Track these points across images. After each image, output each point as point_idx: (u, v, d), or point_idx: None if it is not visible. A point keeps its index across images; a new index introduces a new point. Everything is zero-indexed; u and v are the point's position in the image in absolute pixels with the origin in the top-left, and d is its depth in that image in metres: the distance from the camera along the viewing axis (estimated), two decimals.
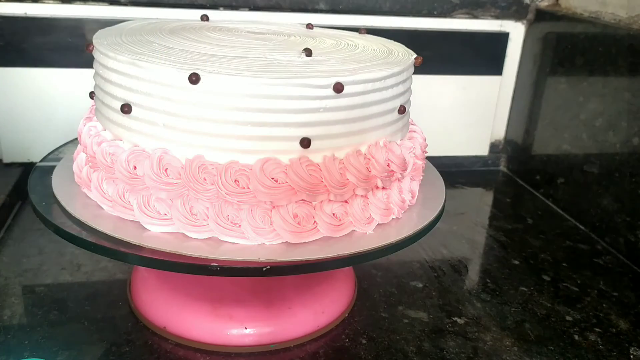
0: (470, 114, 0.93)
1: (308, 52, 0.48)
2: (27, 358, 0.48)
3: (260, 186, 0.42)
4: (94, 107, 0.51)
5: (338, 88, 0.42)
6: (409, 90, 0.51)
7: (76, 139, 0.53)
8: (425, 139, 0.54)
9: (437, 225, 0.51)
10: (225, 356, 0.50)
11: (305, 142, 0.43)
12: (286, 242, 0.44)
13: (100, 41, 0.48)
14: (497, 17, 0.89)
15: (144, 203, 0.44)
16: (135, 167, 0.44)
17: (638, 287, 0.65)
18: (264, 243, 0.44)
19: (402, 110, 0.48)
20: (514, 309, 0.60)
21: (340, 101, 0.43)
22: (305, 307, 0.53)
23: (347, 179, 0.44)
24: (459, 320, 0.57)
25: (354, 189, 0.45)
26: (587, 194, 0.78)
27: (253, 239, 0.43)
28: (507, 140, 0.97)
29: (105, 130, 0.48)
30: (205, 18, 0.62)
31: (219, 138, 0.42)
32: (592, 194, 0.77)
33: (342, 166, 0.44)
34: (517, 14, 0.90)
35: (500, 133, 0.97)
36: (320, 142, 0.43)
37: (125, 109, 0.44)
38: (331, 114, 0.43)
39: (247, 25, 0.61)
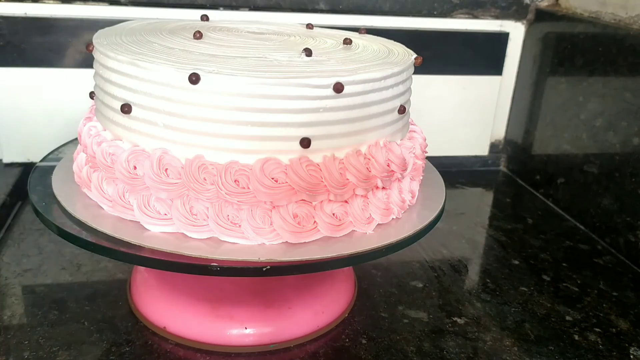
0: (470, 114, 0.93)
1: (308, 52, 0.48)
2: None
3: (260, 186, 0.42)
4: (94, 107, 0.51)
5: (338, 88, 0.42)
6: (409, 90, 0.51)
7: (76, 139, 0.53)
8: (425, 139, 0.54)
9: (437, 225, 0.51)
10: (225, 356, 0.50)
11: (305, 142, 0.43)
12: (286, 242, 0.44)
13: (100, 41, 0.48)
14: (497, 17, 0.89)
15: (144, 203, 0.44)
16: (135, 167, 0.44)
17: (638, 287, 0.65)
18: (264, 243, 0.44)
19: (402, 110, 0.48)
20: (514, 309, 0.60)
21: (340, 101, 0.43)
22: (305, 307, 0.53)
23: (347, 179, 0.44)
24: (459, 320, 0.57)
25: (354, 189, 0.45)
26: (587, 194, 0.78)
27: (253, 239, 0.43)
28: (507, 140, 0.97)
29: (105, 130, 0.48)
30: (205, 18, 0.62)
31: (219, 138, 0.42)
32: (592, 194, 0.77)
33: (342, 166, 0.44)
34: (517, 14, 0.90)
35: (500, 133, 0.97)
36: (320, 142, 0.43)
37: (125, 109, 0.44)
38: (331, 114, 0.43)
39: (247, 25, 0.61)
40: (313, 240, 0.45)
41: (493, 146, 0.98)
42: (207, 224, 0.43)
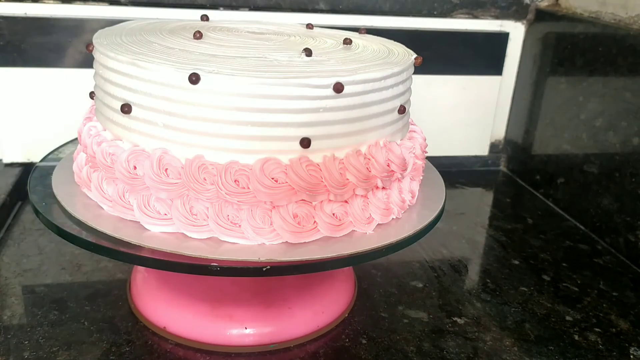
0: (470, 114, 0.93)
1: (308, 52, 0.48)
2: None
3: (260, 186, 0.42)
4: (94, 107, 0.51)
5: (338, 88, 0.42)
6: (409, 90, 0.51)
7: (76, 139, 0.53)
8: (425, 139, 0.54)
9: (437, 225, 0.51)
10: (225, 356, 0.50)
11: (305, 142, 0.43)
12: (286, 242, 0.44)
13: (100, 41, 0.48)
14: (497, 17, 0.89)
15: (144, 203, 0.44)
16: (135, 167, 0.44)
17: (638, 287, 0.65)
18: (264, 243, 0.44)
19: (402, 110, 0.48)
20: (514, 309, 0.60)
21: (340, 101, 0.43)
22: (305, 307, 0.53)
23: (347, 179, 0.44)
24: (459, 320, 0.57)
25: (354, 189, 0.45)
26: (587, 194, 0.78)
27: (253, 239, 0.43)
28: (507, 140, 0.97)
29: (105, 130, 0.48)
30: (205, 18, 0.62)
31: (219, 138, 0.42)
32: (592, 194, 0.77)
33: (342, 166, 0.44)
34: (517, 14, 0.90)
35: (500, 133, 0.97)
36: (320, 142, 0.43)
37: (125, 109, 0.44)
38: (331, 114, 0.43)
39: (247, 25, 0.61)
40: (313, 240, 0.45)
41: (493, 146, 0.98)
42: (207, 224, 0.43)
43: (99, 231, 0.44)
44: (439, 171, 0.59)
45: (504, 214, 0.82)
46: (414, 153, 0.50)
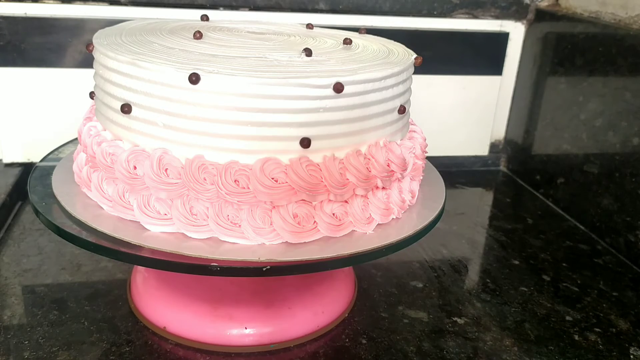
0: (470, 114, 0.93)
1: (308, 52, 0.48)
2: None
3: (260, 186, 0.42)
4: (94, 107, 0.51)
5: (338, 88, 0.42)
6: (409, 90, 0.51)
7: (76, 139, 0.53)
8: (425, 139, 0.54)
9: (437, 225, 0.51)
10: (225, 356, 0.50)
11: (305, 142, 0.43)
12: (286, 242, 0.44)
13: (100, 41, 0.48)
14: (497, 17, 0.89)
15: (144, 203, 0.44)
16: (135, 167, 0.44)
17: (638, 287, 0.65)
18: (264, 243, 0.44)
19: (402, 110, 0.49)
20: (514, 309, 0.60)
21: (340, 101, 0.43)
22: (305, 307, 0.53)
23: (347, 179, 0.44)
24: (459, 320, 0.57)
25: (354, 189, 0.45)
26: (587, 194, 0.78)
27: (253, 239, 0.43)
28: (507, 140, 0.97)
29: (105, 130, 0.48)
30: (205, 18, 0.62)
31: (219, 138, 0.42)
32: (592, 194, 0.77)
33: (342, 166, 0.44)
34: (517, 14, 0.90)
35: (500, 133, 0.97)
36: (320, 142, 0.43)
37: (125, 109, 0.44)
38: (331, 114, 0.43)
39: (247, 25, 0.61)
40: (313, 240, 0.45)
41: (493, 146, 0.98)
42: (207, 224, 0.43)
43: (99, 231, 0.44)
44: (439, 171, 0.59)
45: (504, 214, 0.82)
46: (414, 153, 0.50)
